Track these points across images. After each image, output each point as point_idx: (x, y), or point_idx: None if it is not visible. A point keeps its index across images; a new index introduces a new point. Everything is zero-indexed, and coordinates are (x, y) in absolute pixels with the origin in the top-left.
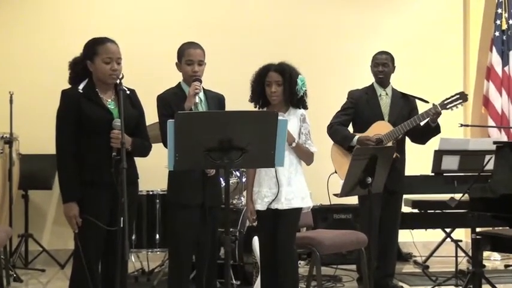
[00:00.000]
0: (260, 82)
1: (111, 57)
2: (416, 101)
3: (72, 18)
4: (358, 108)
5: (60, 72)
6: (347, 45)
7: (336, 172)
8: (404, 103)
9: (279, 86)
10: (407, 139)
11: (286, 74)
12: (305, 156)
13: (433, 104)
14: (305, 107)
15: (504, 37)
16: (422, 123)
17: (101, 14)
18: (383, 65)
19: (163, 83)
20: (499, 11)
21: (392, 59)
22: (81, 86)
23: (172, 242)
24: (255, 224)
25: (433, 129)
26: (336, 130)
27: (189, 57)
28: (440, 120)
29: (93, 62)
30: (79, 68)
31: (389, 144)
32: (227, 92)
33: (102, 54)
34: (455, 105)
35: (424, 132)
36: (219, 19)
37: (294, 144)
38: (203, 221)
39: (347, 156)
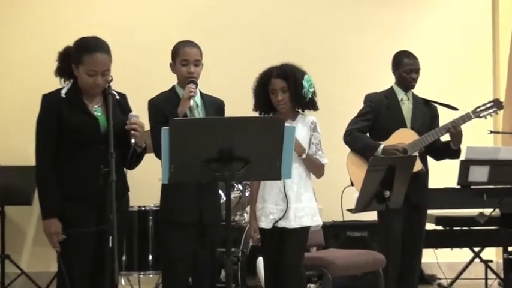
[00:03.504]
0: (263, 90)
1: (96, 70)
2: (439, 108)
3: (63, 16)
4: (378, 114)
5: (41, 75)
6: (361, 45)
7: (352, 185)
8: (427, 110)
9: (284, 92)
10: None
11: (291, 78)
12: (315, 168)
13: (467, 113)
14: (316, 108)
15: None
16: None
17: (94, 13)
18: (417, 71)
19: (158, 87)
20: None
21: None
22: (63, 91)
23: (166, 264)
24: (259, 243)
25: (452, 152)
26: (355, 137)
27: (184, 56)
28: (467, 126)
29: (77, 68)
30: (66, 63)
31: (415, 154)
32: (227, 97)
33: (86, 65)
34: (489, 114)
35: (441, 151)
36: (218, 17)
37: (304, 156)
38: (200, 241)
39: (365, 166)
